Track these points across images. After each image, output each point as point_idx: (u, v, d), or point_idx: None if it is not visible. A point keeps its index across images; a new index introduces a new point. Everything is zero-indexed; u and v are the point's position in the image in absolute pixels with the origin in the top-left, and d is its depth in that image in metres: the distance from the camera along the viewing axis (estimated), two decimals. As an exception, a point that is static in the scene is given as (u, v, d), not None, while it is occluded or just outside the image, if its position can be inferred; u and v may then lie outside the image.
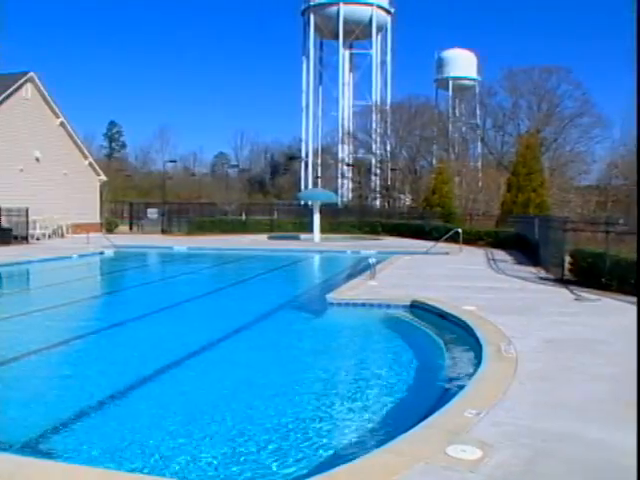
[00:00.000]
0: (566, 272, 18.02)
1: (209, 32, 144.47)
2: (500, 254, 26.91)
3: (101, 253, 29.77)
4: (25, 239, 33.54)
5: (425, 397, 8.03)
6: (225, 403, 7.80)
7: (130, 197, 62.30)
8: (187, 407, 7.70)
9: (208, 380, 9.00)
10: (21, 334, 12.51)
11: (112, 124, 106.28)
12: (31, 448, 6.25)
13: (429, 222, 38.79)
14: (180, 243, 34.14)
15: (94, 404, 7.78)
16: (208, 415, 7.32)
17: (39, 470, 5.12)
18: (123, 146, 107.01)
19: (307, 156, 76.92)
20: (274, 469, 5.76)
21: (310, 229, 37.17)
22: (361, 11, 74.13)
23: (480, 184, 55.43)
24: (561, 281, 17.48)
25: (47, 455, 5.99)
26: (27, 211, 33.69)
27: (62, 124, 40.32)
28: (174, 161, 71.32)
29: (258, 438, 6.52)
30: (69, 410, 7.55)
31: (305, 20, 77.80)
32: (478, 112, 67.83)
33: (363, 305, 13.93)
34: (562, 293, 15.37)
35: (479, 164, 63.87)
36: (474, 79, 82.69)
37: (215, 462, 5.92)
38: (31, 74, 37.52)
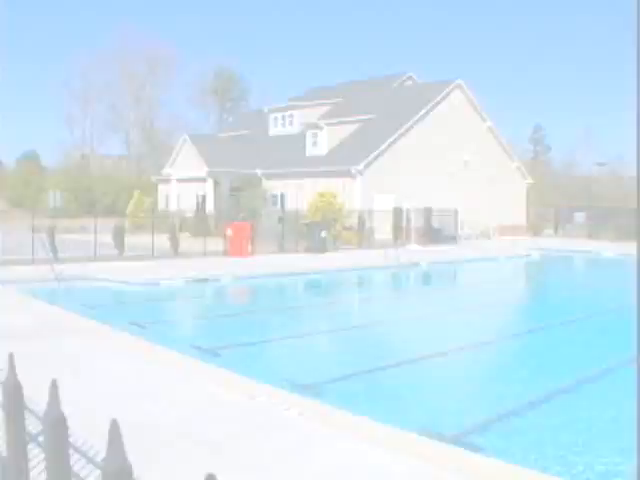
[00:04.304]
0: None
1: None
2: None
3: (527, 256, 29.66)
4: (453, 239, 34.86)
5: None
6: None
7: (555, 200, 61.26)
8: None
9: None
10: (437, 332, 13.22)
11: (537, 127, 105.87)
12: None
13: None
14: (607, 249, 31.94)
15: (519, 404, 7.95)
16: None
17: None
18: (548, 149, 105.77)
19: None
20: None
21: None
22: None
23: None
24: None
25: (476, 449, 6.08)
26: (456, 212, 34.98)
27: (489, 128, 41.20)
28: (603, 164, 68.08)
29: None
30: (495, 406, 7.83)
31: None
32: None
33: None
34: None
35: None
36: None
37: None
38: (459, 81, 39.18)
